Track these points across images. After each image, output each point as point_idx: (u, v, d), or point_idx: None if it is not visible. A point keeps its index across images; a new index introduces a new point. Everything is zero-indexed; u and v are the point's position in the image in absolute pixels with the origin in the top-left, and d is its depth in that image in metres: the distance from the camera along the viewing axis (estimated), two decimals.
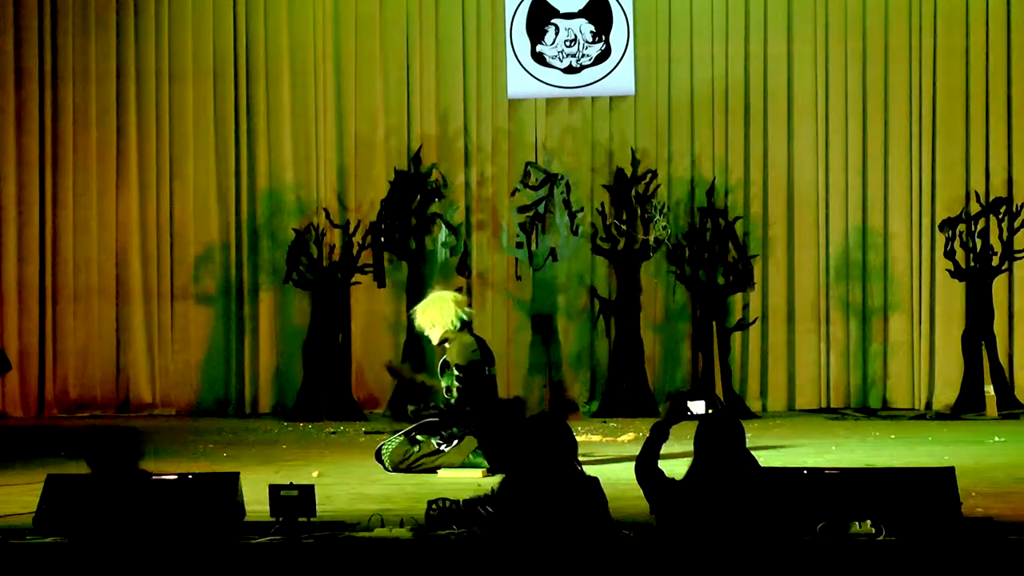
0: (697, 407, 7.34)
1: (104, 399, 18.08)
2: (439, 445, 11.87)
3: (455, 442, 11.89)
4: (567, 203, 17.19)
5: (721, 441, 7.01)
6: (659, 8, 17.87)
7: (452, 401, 11.88)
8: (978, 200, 16.96)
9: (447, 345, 12.03)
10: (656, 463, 7.18)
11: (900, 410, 17.34)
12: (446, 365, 11.97)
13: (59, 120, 18.19)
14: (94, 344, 18.14)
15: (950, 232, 16.74)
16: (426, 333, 12.21)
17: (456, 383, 11.86)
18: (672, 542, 6.90)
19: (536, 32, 17.94)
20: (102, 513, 7.60)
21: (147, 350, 18.12)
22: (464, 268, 17.56)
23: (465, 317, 12.04)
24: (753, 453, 7.24)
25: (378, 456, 11.98)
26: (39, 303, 18.15)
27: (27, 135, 18.16)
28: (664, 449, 7.32)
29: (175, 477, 8.90)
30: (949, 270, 16.78)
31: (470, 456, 11.86)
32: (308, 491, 8.44)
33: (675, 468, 7.35)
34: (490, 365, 12.13)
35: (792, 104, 17.75)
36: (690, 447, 7.11)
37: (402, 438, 11.99)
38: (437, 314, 12.07)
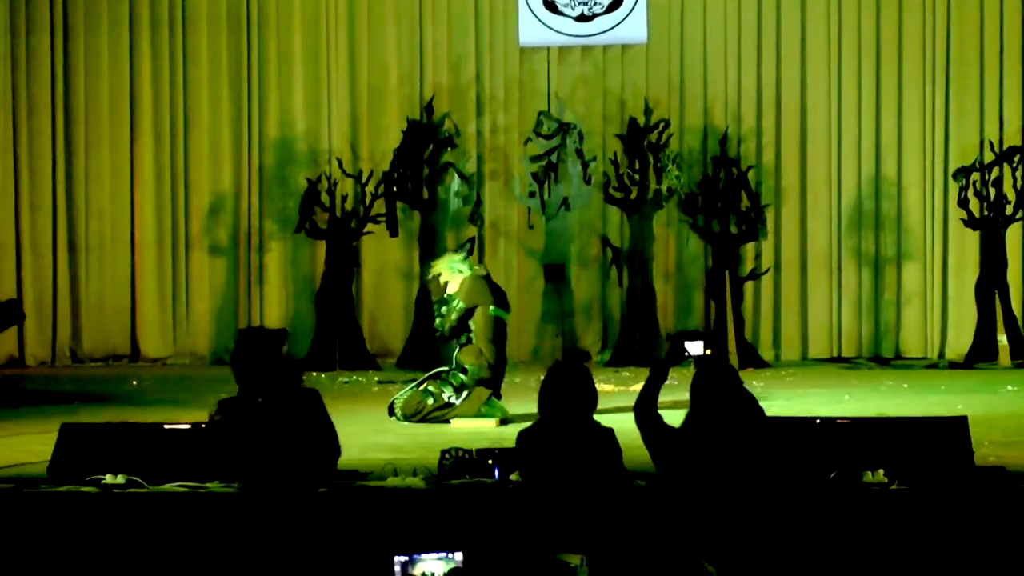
0: (694, 347, 7.34)
1: (117, 347, 18.12)
2: (450, 398, 11.89)
3: (465, 393, 11.92)
4: (580, 152, 17.17)
5: (716, 387, 7.00)
6: None
7: (443, 333, 12.03)
8: (992, 149, 16.90)
9: (445, 289, 12.16)
10: (655, 405, 7.17)
11: (913, 359, 17.34)
12: (443, 303, 12.08)
13: (71, 69, 18.16)
14: (107, 293, 18.18)
15: (964, 181, 16.69)
16: (443, 280, 12.25)
17: (453, 320, 11.94)
18: (672, 489, 6.89)
19: None
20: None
21: (160, 299, 18.16)
22: (476, 217, 17.55)
23: (464, 264, 12.18)
24: (763, 402, 7.24)
25: (391, 412, 12.01)
26: (52, 252, 18.18)
27: (39, 84, 18.14)
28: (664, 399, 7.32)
29: (188, 426, 8.92)
30: (963, 219, 16.74)
31: (483, 407, 11.88)
32: None
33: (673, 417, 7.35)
34: (504, 309, 12.19)
35: (805, 52, 17.68)
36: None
37: (413, 389, 12.01)
38: (443, 267, 12.25)
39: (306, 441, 6.68)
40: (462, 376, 11.92)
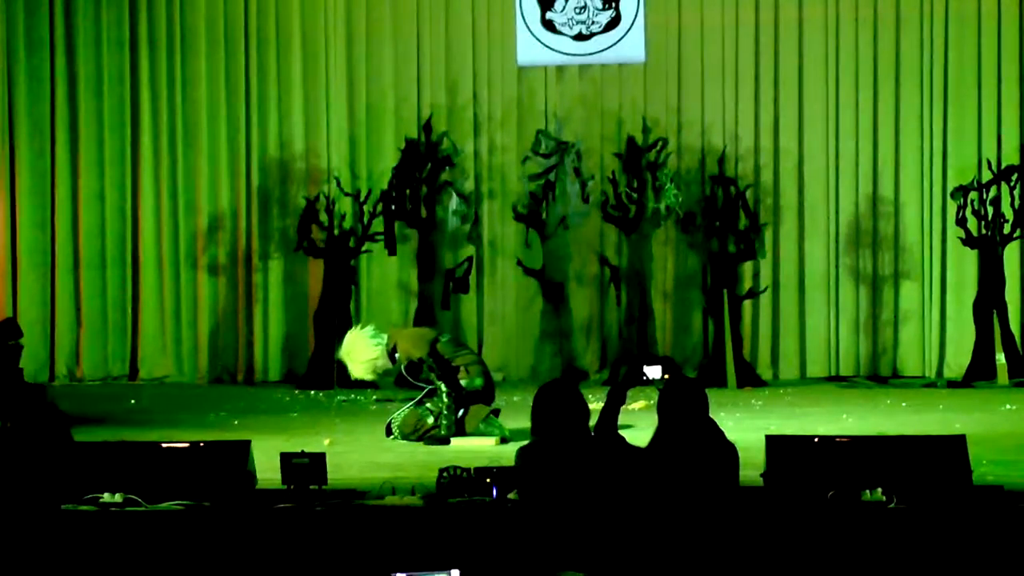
0: (653, 372, 7.38)
1: (116, 366, 18.11)
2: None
3: (462, 411, 11.89)
4: (578, 171, 17.20)
5: (684, 409, 7.02)
6: None
7: (443, 386, 11.86)
8: (990, 167, 16.92)
9: (397, 355, 12.00)
10: (615, 428, 7.19)
11: (911, 378, 17.34)
12: (413, 367, 11.94)
13: (72, 89, 18.17)
14: (106, 312, 18.16)
15: (962, 200, 16.71)
16: (379, 370, 12.11)
17: (432, 373, 11.86)
18: (636, 510, 6.87)
19: None
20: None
21: (159, 318, 18.15)
22: (474, 236, 17.56)
23: (375, 332, 12.07)
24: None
25: (388, 432, 11.98)
26: (51, 271, 18.18)
27: (39, 104, 18.15)
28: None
29: (186, 445, 8.91)
30: (960, 238, 16.76)
31: (481, 425, 11.86)
32: (319, 459, 8.46)
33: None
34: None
35: (803, 71, 17.70)
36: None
37: (411, 408, 11.98)
38: (364, 352, 12.02)
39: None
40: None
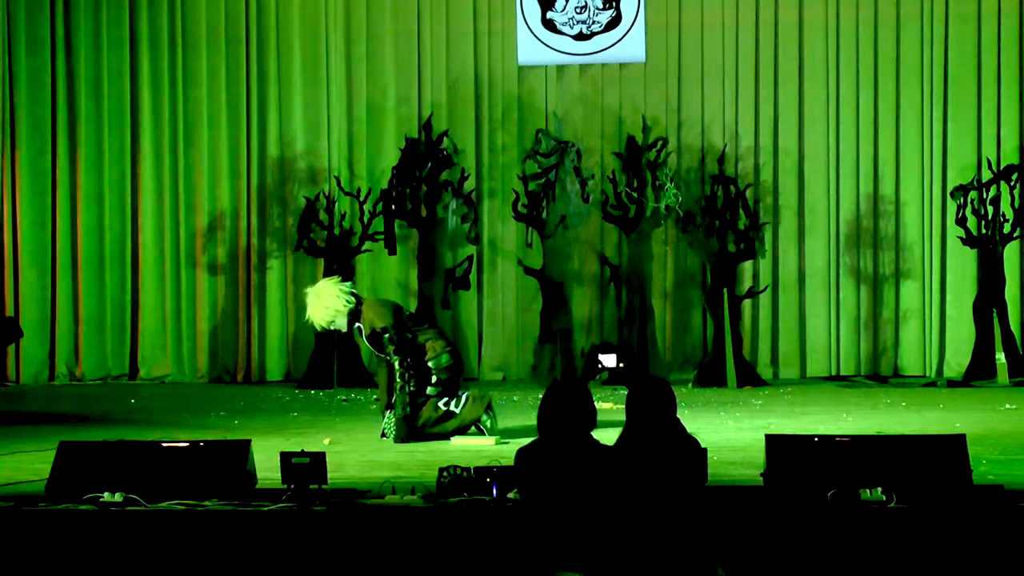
0: (608, 360, 7.41)
1: (116, 366, 18.11)
2: (448, 405, 11.78)
3: (465, 396, 11.81)
4: (578, 170, 17.21)
5: (652, 408, 7.03)
6: None
7: (396, 363, 11.72)
8: (990, 167, 16.93)
9: (359, 324, 11.91)
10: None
11: (911, 377, 17.35)
12: (375, 337, 11.82)
13: (72, 88, 18.19)
14: (107, 311, 18.17)
15: (962, 199, 16.72)
16: (335, 326, 12.04)
17: (391, 345, 11.74)
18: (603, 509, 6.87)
19: None
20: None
21: (159, 318, 18.16)
22: (474, 236, 17.56)
23: (350, 289, 11.96)
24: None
25: (384, 436, 11.85)
26: (52, 270, 18.19)
27: (40, 103, 18.16)
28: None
29: (186, 444, 8.91)
30: (960, 237, 16.77)
31: (484, 417, 11.78)
32: (319, 458, 8.46)
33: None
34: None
35: (803, 71, 17.71)
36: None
37: (389, 413, 11.76)
38: (330, 300, 11.92)
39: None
40: (434, 379, 11.78)
